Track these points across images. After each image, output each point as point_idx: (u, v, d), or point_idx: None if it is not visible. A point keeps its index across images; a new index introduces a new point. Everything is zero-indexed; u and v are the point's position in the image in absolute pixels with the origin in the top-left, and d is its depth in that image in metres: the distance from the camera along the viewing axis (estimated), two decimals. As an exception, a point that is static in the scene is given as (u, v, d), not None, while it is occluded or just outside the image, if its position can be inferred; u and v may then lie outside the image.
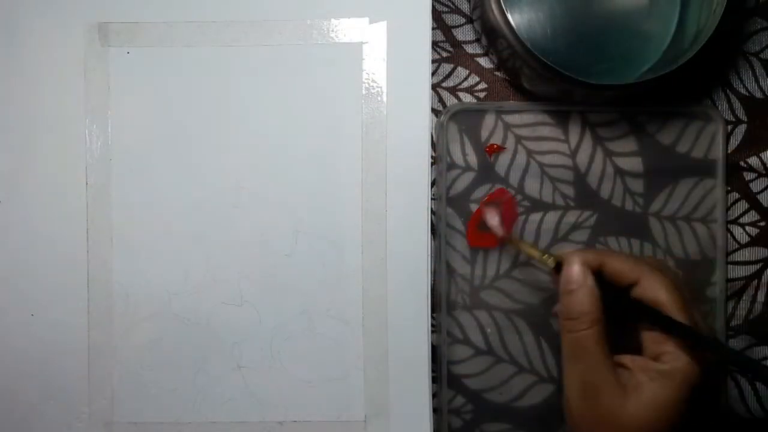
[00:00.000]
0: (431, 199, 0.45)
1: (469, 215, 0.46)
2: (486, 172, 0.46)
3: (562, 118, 0.46)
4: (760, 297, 0.46)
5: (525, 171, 0.46)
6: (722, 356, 0.40)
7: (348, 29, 0.45)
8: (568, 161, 0.46)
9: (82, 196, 0.45)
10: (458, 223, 0.46)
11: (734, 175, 0.46)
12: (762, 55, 0.46)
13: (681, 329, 0.36)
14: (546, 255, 0.41)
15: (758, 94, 0.46)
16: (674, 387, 0.36)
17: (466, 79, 0.46)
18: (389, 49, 0.45)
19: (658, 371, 0.36)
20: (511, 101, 0.46)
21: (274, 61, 0.45)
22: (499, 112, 0.46)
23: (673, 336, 0.37)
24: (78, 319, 0.45)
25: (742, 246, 0.47)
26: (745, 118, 0.46)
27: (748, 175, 0.46)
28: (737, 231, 0.47)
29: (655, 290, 0.37)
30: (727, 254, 0.46)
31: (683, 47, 0.43)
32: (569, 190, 0.46)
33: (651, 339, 0.37)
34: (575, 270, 0.38)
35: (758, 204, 0.46)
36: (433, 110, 0.46)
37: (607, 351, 0.37)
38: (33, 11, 0.45)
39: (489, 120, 0.46)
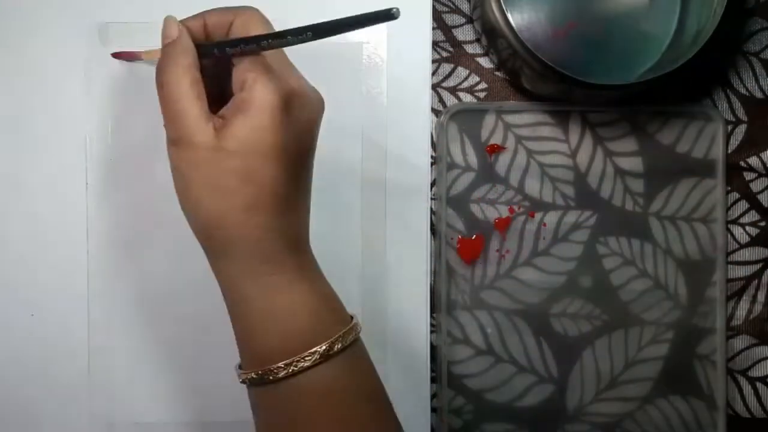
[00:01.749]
0: (431, 199, 0.45)
1: (469, 217, 0.46)
2: (486, 172, 0.46)
3: (562, 118, 0.46)
4: (760, 297, 0.46)
5: (525, 171, 0.46)
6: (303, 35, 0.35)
7: (348, 29, 0.45)
8: (568, 161, 0.46)
9: (82, 196, 0.45)
10: (458, 223, 0.46)
11: (734, 175, 0.46)
12: (762, 55, 0.46)
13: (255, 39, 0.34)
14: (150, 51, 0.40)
15: (758, 94, 0.46)
16: (255, 114, 0.34)
17: (466, 79, 0.46)
18: (389, 49, 0.45)
19: (238, 100, 0.34)
20: (512, 101, 0.46)
21: (274, 61, 0.45)
22: (500, 112, 0.46)
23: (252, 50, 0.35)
24: (78, 319, 0.45)
25: (742, 246, 0.47)
26: (745, 118, 0.46)
27: (748, 175, 0.46)
28: (737, 231, 0.47)
29: (247, 26, 0.36)
30: (728, 254, 0.46)
31: (683, 47, 0.43)
32: (569, 190, 0.46)
33: (236, 73, 0.35)
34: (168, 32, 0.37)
35: (758, 204, 0.46)
36: (433, 110, 0.46)
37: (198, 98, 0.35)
38: (33, 11, 0.45)
39: (489, 120, 0.46)
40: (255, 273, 0.35)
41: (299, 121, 0.35)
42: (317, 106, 0.37)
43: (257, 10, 0.37)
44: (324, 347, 0.34)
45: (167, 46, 0.36)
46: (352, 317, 0.37)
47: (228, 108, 0.35)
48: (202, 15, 0.37)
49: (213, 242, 0.35)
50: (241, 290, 0.35)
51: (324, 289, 0.37)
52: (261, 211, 0.34)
